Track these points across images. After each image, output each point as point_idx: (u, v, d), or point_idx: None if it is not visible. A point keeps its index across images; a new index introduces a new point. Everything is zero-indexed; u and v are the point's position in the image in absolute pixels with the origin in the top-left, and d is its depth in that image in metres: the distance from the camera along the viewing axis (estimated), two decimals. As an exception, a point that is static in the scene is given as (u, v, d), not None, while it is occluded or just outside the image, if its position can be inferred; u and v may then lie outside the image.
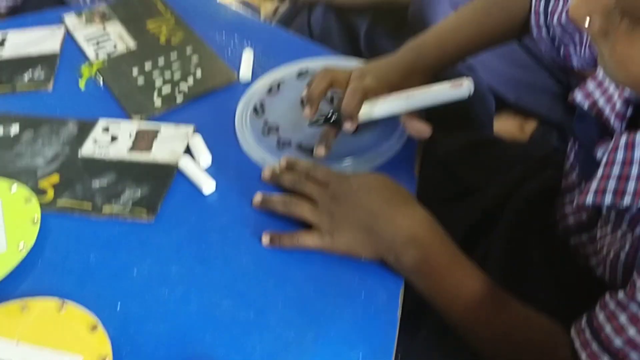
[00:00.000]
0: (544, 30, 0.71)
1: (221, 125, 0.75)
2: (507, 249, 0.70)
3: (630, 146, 0.52)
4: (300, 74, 0.81)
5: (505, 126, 1.14)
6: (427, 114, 0.78)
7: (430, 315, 0.61)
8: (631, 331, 0.48)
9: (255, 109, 0.76)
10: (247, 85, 0.80)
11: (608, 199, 0.52)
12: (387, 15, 1.17)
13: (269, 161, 0.69)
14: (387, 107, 0.68)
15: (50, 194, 0.68)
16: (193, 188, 0.68)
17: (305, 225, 0.62)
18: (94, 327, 0.55)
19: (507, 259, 0.68)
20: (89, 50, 0.88)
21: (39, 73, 0.85)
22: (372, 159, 0.69)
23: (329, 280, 0.59)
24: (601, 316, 0.51)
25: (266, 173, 0.67)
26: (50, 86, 0.83)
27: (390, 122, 0.72)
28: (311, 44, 0.92)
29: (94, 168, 0.70)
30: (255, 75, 0.82)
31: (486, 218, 0.74)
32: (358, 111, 0.67)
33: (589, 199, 0.53)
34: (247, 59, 0.84)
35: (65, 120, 0.77)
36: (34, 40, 0.91)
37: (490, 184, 0.79)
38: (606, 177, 0.53)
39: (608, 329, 0.50)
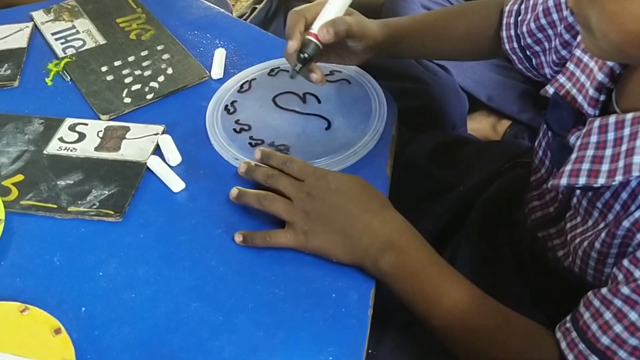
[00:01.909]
0: (514, 41, 0.72)
1: (192, 124, 0.74)
2: (476, 246, 0.70)
3: (603, 129, 0.52)
4: (272, 72, 0.80)
5: (479, 125, 1.15)
6: (400, 114, 0.78)
7: (398, 315, 0.60)
8: (617, 328, 0.48)
9: (226, 108, 0.75)
10: (219, 83, 0.79)
11: (582, 179, 0.52)
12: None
13: (240, 160, 0.68)
14: (327, 14, 0.67)
15: (14, 193, 0.66)
16: (162, 188, 0.67)
17: (280, 223, 0.61)
18: (57, 331, 0.53)
19: (476, 256, 0.68)
20: (57, 47, 0.86)
21: (5, 69, 0.83)
22: (344, 160, 0.68)
23: (300, 280, 0.58)
24: (587, 315, 0.51)
25: (242, 167, 0.66)
26: (16, 83, 0.81)
27: (363, 122, 0.72)
28: (285, 42, 0.91)
29: (60, 167, 0.69)
30: (227, 73, 0.81)
31: (457, 217, 0.74)
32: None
33: (564, 180, 0.53)
34: (220, 56, 0.83)
35: (31, 118, 0.75)
36: (0, 36, 0.88)
37: (462, 183, 0.79)
38: (580, 159, 0.53)
39: (594, 327, 0.50)
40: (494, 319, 0.57)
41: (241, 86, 0.78)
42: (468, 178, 0.79)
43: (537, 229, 0.64)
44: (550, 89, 0.61)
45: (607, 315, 0.49)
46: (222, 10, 0.96)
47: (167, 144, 0.70)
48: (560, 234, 0.61)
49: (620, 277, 0.49)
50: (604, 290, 0.50)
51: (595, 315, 0.50)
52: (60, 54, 0.85)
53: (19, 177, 0.68)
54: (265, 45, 0.86)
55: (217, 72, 0.81)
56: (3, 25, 0.91)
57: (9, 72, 0.82)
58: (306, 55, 0.66)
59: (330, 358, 0.52)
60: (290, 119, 0.73)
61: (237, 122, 0.73)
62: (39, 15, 0.92)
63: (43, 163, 0.69)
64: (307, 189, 0.61)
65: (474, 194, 0.75)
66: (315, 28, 0.66)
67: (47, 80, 0.81)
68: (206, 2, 0.97)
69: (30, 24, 0.91)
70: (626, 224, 0.51)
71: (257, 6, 1.31)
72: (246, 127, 0.73)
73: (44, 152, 0.71)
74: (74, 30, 0.89)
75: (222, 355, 0.53)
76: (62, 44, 0.87)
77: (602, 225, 0.55)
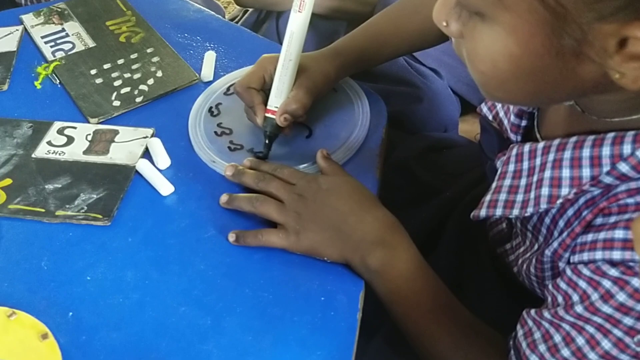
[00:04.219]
0: None
1: (181, 127, 0.74)
2: (456, 253, 0.70)
3: (519, 157, 0.53)
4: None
5: (471, 127, 1.15)
6: (390, 117, 0.78)
7: (387, 320, 0.60)
8: (542, 347, 0.49)
9: (210, 110, 0.75)
10: (209, 86, 0.79)
11: (499, 210, 0.53)
12: (359, 23, 1.16)
13: (218, 164, 0.68)
14: (279, 84, 0.67)
15: (2, 197, 0.66)
16: (151, 191, 0.66)
17: (271, 226, 0.61)
18: (44, 336, 0.53)
19: (450, 266, 0.68)
20: (46, 50, 0.86)
21: (-7, 73, 0.82)
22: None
23: (289, 284, 0.58)
24: (520, 333, 0.52)
25: (228, 170, 0.65)
26: (5, 86, 0.81)
27: (345, 131, 0.72)
28: (277, 45, 0.91)
29: (48, 171, 0.68)
30: (217, 76, 0.81)
31: (442, 222, 0.74)
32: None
33: (482, 212, 0.54)
34: (210, 59, 0.83)
35: (19, 121, 0.75)
36: (-12, 39, 0.88)
37: (449, 188, 0.79)
38: (498, 189, 0.54)
39: (524, 345, 0.51)
40: (462, 323, 0.57)
41: (228, 88, 0.78)
42: (454, 182, 0.79)
43: (495, 244, 0.65)
44: (484, 108, 0.61)
45: (537, 335, 0.50)
46: (213, 12, 0.96)
47: (156, 147, 0.70)
48: (513, 250, 0.61)
49: (549, 299, 0.51)
50: (532, 311, 0.51)
51: (527, 334, 0.51)
52: (50, 57, 0.85)
53: (7, 181, 0.67)
54: (256, 48, 0.86)
55: (207, 74, 0.80)
56: (-8, 29, 0.90)
57: (-2, 75, 0.82)
58: (270, 134, 0.67)
59: (319, 362, 0.52)
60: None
61: (219, 125, 0.73)
62: (28, 19, 0.92)
63: (31, 167, 0.69)
64: (298, 191, 0.61)
65: (458, 199, 0.75)
66: (271, 104, 0.67)
67: (36, 83, 0.81)
68: (196, 4, 0.97)
69: (20, 27, 0.90)
70: (547, 252, 0.51)
71: (248, 9, 1.31)
72: (227, 131, 0.72)
73: (33, 155, 0.70)
74: (63, 34, 0.89)
75: (211, 359, 0.52)
76: (51, 47, 0.86)
77: (535, 247, 0.55)
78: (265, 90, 0.69)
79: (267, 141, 0.68)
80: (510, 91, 0.46)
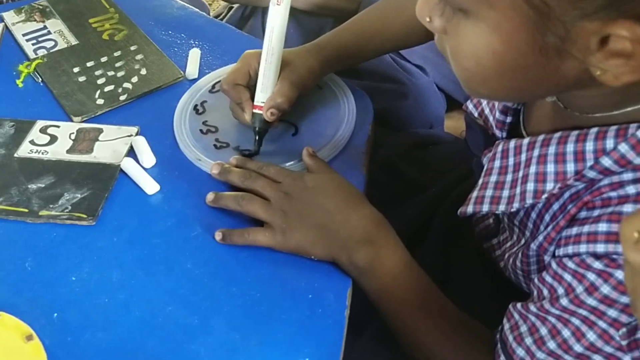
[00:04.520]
0: None
1: (166, 125, 0.73)
2: (443, 249, 0.71)
3: (505, 153, 0.53)
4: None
5: (456, 124, 1.15)
6: (376, 114, 0.78)
7: (375, 317, 0.61)
8: (528, 340, 0.50)
9: (195, 107, 0.74)
10: (194, 83, 0.78)
11: (485, 207, 0.53)
12: (344, 20, 1.16)
13: (204, 162, 0.68)
14: (264, 79, 0.67)
15: (-16, 198, 0.65)
16: (136, 190, 0.66)
17: (257, 224, 0.61)
18: (29, 337, 0.53)
19: (437, 262, 0.69)
20: (28, 48, 0.85)
21: (-27, 71, 0.81)
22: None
23: (276, 282, 0.58)
24: (507, 326, 0.53)
25: (214, 169, 0.65)
26: (-15, 85, 0.80)
27: (330, 129, 0.72)
28: (261, 42, 0.90)
29: (31, 170, 0.68)
30: (202, 73, 0.81)
31: (427, 219, 0.74)
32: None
33: (469, 208, 0.55)
34: (194, 57, 0.82)
35: (1, 120, 0.74)
36: (-32, 36, 0.87)
37: (434, 184, 0.79)
38: (485, 185, 0.54)
39: (510, 339, 0.51)
40: (451, 318, 0.58)
41: (213, 86, 0.77)
42: (440, 179, 0.80)
43: (481, 239, 0.65)
44: (469, 105, 0.62)
45: (523, 328, 0.51)
46: (197, 9, 0.95)
47: (141, 145, 0.69)
48: (499, 245, 0.62)
49: (535, 293, 0.51)
50: (519, 304, 0.52)
51: (513, 327, 0.52)
52: (32, 55, 0.83)
53: (-11, 182, 0.66)
54: (241, 45, 0.85)
55: (191, 72, 0.80)
56: (-28, 26, 0.89)
57: (-22, 73, 0.81)
58: (259, 129, 0.67)
59: (307, 359, 0.52)
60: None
61: (204, 123, 0.73)
62: (9, 16, 0.91)
63: (14, 166, 0.68)
64: (284, 189, 0.61)
65: (444, 196, 0.75)
66: (258, 99, 0.67)
67: (17, 81, 0.80)
68: (180, 1, 0.96)
69: (1, 25, 0.89)
70: (533, 246, 0.52)
71: (233, 6, 1.30)
72: (213, 129, 0.72)
73: (15, 155, 0.70)
74: (45, 31, 0.88)
75: (199, 359, 0.52)
76: (33, 44, 0.85)
77: (522, 241, 0.56)
78: (251, 87, 0.69)
79: (257, 137, 0.68)
80: (493, 88, 0.47)
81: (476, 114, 0.61)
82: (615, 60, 0.39)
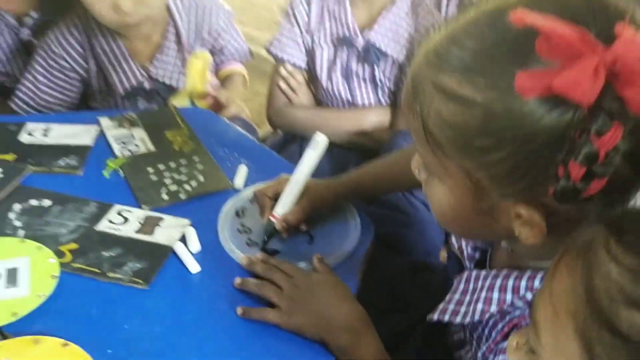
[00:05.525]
0: None
1: (212, 222, 0.94)
2: (415, 352, 0.86)
3: (468, 280, 0.70)
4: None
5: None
6: (383, 237, 0.97)
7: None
8: None
9: (237, 212, 0.96)
10: (239, 192, 1.00)
11: (447, 316, 0.69)
12: (368, 155, 1.39)
13: (237, 254, 0.87)
14: (285, 198, 0.90)
15: (68, 257, 0.85)
16: (182, 268, 0.85)
17: (270, 304, 0.79)
18: (88, 364, 0.70)
19: None
20: (116, 148, 1.09)
21: (72, 160, 1.05)
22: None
23: (276, 350, 0.75)
24: None
25: (244, 260, 0.85)
26: (80, 172, 1.03)
27: (339, 241, 0.91)
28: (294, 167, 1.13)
29: (106, 242, 0.88)
30: (246, 185, 1.02)
31: (405, 335, 0.90)
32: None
33: (435, 316, 0.71)
34: (242, 172, 1.05)
35: (88, 200, 0.96)
36: (72, 133, 1.12)
37: (421, 305, 0.95)
38: (449, 300, 0.71)
39: None
40: None
41: (252, 198, 0.99)
42: (426, 302, 0.96)
43: (454, 349, 0.80)
44: (453, 239, 0.80)
45: None
46: (248, 134, 1.19)
47: (191, 235, 0.89)
48: (465, 354, 0.76)
49: None
50: None
51: None
52: (118, 154, 1.07)
53: (74, 245, 0.87)
54: (279, 166, 1.07)
55: (238, 183, 1.02)
56: (75, 125, 1.14)
57: (75, 162, 1.04)
58: (268, 232, 0.90)
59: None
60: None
61: (241, 224, 0.93)
62: (104, 121, 1.16)
63: (94, 237, 0.89)
64: (294, 282, 0.80)
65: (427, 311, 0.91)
66: (275, 210, 0.91)
67: (105, 172, 1.03)
68: (237, 127, 1.21)
69: (98, 127, 1.14)
70: (479, 354, 0.66)
71: (278, 130, 1.55)
72: (247, 230, 0.93)
73: (95, 228, 0.91)
74: (131, 137, 1.12)
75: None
76: (120, 146, 1.09)
77: (476, 351, 0.71)
78: (276, 200, 0.91)
79: (265, 237, 0.90)
80: (454, 228, 0.66)
81: (456, 247, 0.80)
82: (523, 228, 0.56)
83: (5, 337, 0.72)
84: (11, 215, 0.92)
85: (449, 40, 0.55)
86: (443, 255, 1.30)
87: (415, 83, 0.57)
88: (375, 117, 1.37)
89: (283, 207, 0.90)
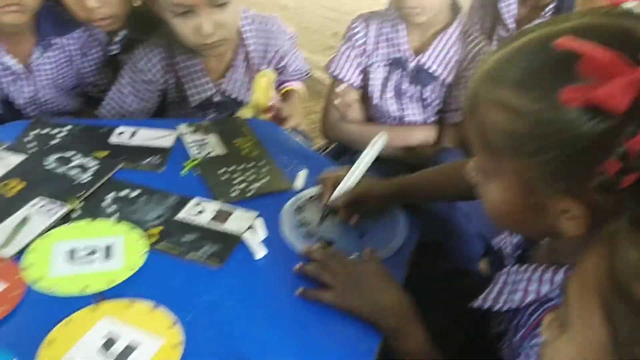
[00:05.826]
0: None
1: (275, 216, 1.07)
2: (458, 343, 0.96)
3: (509, 274, 0.80)
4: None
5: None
6: (426, 244, 1.08)
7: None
8: None
9: (296, 208, 1.09)
10: (299, 192, 1.14)
11: (488, 303, 0.79)
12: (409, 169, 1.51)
13: (296, 245, 1.00)
14: (340, 188, 1.04)
15: (155, 238, 1.00)
16: (249, 253, 0.98)
17: (324, 286, 0.91)
18: (173, 324, 0.84)
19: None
20: (192, 151, 1.24)
21: (155, 159, 1.20)
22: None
23: (328, 326, 0.86)
24: None
25: (304, 249, 0.98)
26: (162, 169, 1.18)
27: (387, 237, 1.03)
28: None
29: (185, 228, 1.02)
30: (305, 187, 1.16)
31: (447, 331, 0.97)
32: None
33: (478, 303, 0.81)
34: (302, 176, 1.18)
35: (169, 194, 1.11)
36: (155, 136, 1.28)
37: (463, 306, 1.04)
38: (490, 291, 0.80)
39: None
40: None
41: (310, 197, 1.12)
42: (465, 303, 1.05)
43: (493, 343, 0.88)
44: (496, 239, 0.90)
45: None
46: (306, 145, 1.33)
47: (258, 225, 1.03)
48: (503, 344, 0.84)
49: None
50: None
51: None
52: (194, 155, 1.22)
53: (159, 228, 1.02)
54: (334, 174, 1.21)
55: (298, 185, 1.15)
56: (157, 130, 1.30)
57: (158, 161, 1.20)
58: (324, 212, 1.06)
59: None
60: (338, 225, 1.05)
61: (300, 219, 1.06)
62: (182, 127, 1.32)
63: (175, 224, 1.03)
64: (348, 268, 0.92)
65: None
66: (332, 197, 1.05)
67: (182, 172, 1.18)
68: (297, 138, 1.35)
69: (176, 132, 1.30)
70: (514, 339, 0.75)
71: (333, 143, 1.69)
72: (306, 225, 1.05)
73: (175, 217, 1.05)
74: (206, 142, 1.27)
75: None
76: (196, 149, 1.25)
77: (512, 338, 0.79)
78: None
79: (321, 217, 1.05)
80: (505, 224, 0.77)
81: (500, 244, 0.89)
82: (568, 221, 0.64)
83: (105, 300, 0.87)
84: (106, 202, 1.07)
85: (504, 61, 0.65)
86: (482, 267, 1.40)
87: (475, 96, 0.68)
88: (422, 134, 1.49)
89: (339, 193, 1.04)
